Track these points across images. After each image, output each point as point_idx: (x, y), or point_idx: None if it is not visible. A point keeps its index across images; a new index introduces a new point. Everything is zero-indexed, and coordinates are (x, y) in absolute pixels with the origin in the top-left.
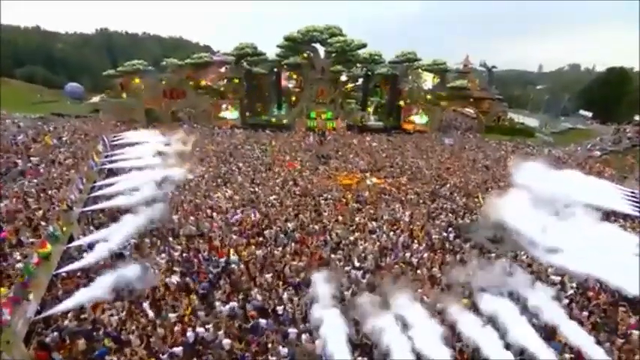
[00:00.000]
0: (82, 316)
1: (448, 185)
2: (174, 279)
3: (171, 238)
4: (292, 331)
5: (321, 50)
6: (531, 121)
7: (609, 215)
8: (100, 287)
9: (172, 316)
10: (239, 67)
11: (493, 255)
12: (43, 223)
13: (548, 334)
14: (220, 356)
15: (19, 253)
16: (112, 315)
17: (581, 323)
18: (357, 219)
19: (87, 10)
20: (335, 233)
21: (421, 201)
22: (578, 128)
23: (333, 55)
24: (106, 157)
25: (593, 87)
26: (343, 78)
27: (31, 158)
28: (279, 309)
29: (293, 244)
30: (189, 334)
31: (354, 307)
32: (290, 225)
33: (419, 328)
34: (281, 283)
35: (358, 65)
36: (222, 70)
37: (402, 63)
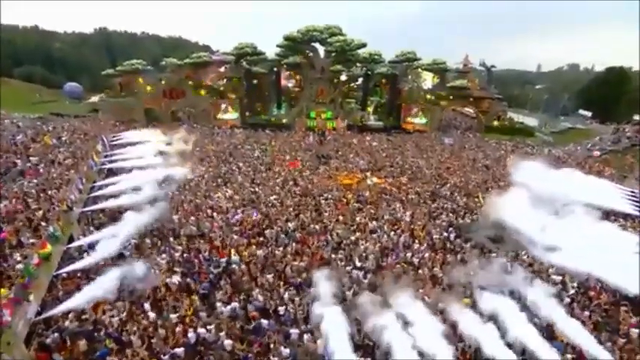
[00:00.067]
0: (83, 317)
1: (448, 185)
2: (176, 279)
3: (171, 239)
4: (294, 331)
5: (321, 50)
6: (531, 121)
7: (609, 215)
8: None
9: (173, 316)
10: (239, 66)
11: (494, 255)
12: (43, 224)
13: (550, 333)
14: (222, 357)
15: (20, 254)
16: (112, 316)
17: (582, 323)
18: (357, 219)
19: (85, 9)
20: (336, 233)
21: (422, 201)
22: (578, 128)
23: (333, 54)
24: (106, 156)
25: (592, 86)
26: (343, 77)
27: (31, 158)
28: (281, 309)
29: (294, 244)
30: (191, 334)
31: (355, 307)
32: (291, 225)
33: (420, 327)
34: (282, 283)
35: (358, 65)
36: (222, 69)
37: (401, 63)
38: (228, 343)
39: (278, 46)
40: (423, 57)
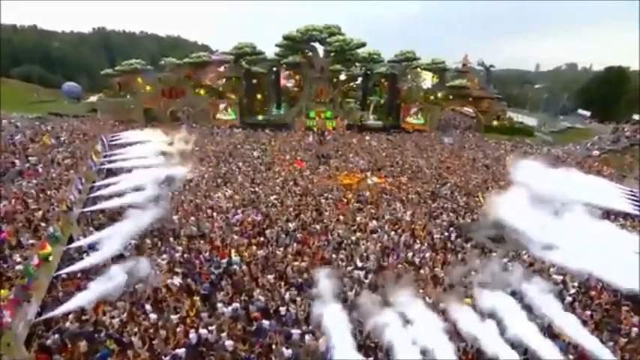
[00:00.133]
0: (84, 318)
1: (448, 184)
2: (177, 280)
3: (172, 239)
4: (295, 331)
5: (320, 49)
6: (530, 121)
7: (609, 214)
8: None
9: (174, 317)
10: (238, 66)
11: (495, 254)
12: (42, 224)
13: (552, 333)
14: (223, 358)
15: (19, 254)
16: (113, 317)
17: (584, 322)
18: (358, 219)
19: (84, 9)
20: (337, 233)
21: (422, 200)
22: (577, 127)
23: (332, 54)
24: (105, 157)
25: (591, 86)
26: (342, 77)
27: (29, 158)
28: (282, 310)
29: (295, 245)
30: (192, 335)
31: (356, 307)
32: (291, 225)
33: (422, 325)
34: (283, 283)
35: (357, 64)
36: (221, 69)
37: (401, 62)
38: (229, 343)
39: (277, 45)
40: (422, 57)
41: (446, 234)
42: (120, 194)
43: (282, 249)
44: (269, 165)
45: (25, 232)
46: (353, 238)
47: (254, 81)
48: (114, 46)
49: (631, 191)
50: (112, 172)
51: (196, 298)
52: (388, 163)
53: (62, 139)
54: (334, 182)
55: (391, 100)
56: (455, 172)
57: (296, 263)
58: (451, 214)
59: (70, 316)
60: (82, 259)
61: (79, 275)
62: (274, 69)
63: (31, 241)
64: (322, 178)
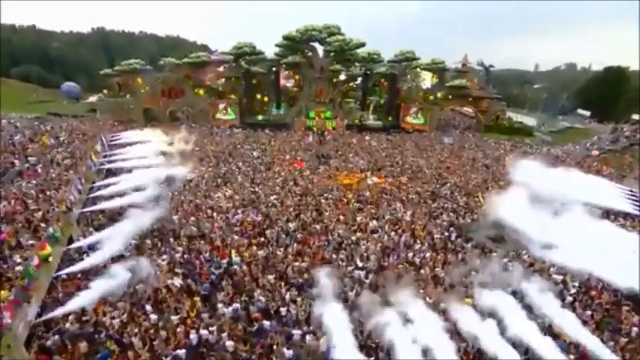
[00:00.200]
0: (84, 319)
1: (448, 184)
2: (177, 281)
3: (172, 239)
4: (296, 332)
5: (320, 49)
6: (529, 120)
7: (609, 214)
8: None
9: (175, 318)
10: (237, 66)
11: (495, 254)
12: (42, 225)
13: (553, 333)
14: (224, 358)
15: (19, 255)
16: (113, 317)
17: (584, 322)
18: (358, 219)
19: (83, 9)
20: (337, 233)
21: (422, 200)
22: (576, 127)
23: (332, 54)
24: (105, 157)
25: (590, 86)
26: (342, 77)
27: (29, 158)
28: (283, 310)
29: (295, 245)
30: (193, 336)
31: (357, 307)
32: (291, 225)
33: (422, 324)
34: (283, 283)
35: (357, 64)
36: (221, 69)
37: (400, 62)
38: (230, 344)
39: (277, 45)
40: (422, 57)
41: (446, 234)
42: (120, 194)
43: (282, 249)
44: (269, 165)
45: (25, 233)
46: (353, 238)
47: (253, 81)
48: (113, 46)
49: (631, 191)
50: (111, 173)
51: (197, 298)
52: (388, 163)
53: (61, 139)
54: (334, 182)
55: (391, 100)
56: (455, 172)
57: (296, 263)
58: (451, 214)
59: (70, 317)
60: (82, 259)
61: (79, 276)
62: (274, 69)
63: (30, 242)
64: (322, 178)
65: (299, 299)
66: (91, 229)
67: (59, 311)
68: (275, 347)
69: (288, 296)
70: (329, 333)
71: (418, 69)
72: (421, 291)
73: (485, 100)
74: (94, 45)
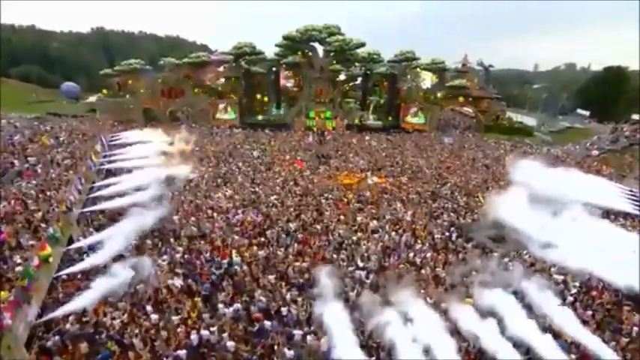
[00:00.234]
0: (84, 319)
1: (449, 184)
2: (178, 283)
3: (172, 240)
4: (297, 332)
5: (320, 49)
6: (529, 120)
7: (609, 214)
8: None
9: (175, 318)
10: (237, 66)
11: (496, 254)
12: (42, 225)
13: (554, 332)
14: (225, 359)
15: (20, 256)
16: (114, 318)
17: (585, 322)
18: (359, 219)
19: (82, 9)
20: (338, 233)
21: (422, 200)
22: (576, 127)
23: (332, 54)
24: (105, 157)
25: (590, 86)
26: (342, 77)
27: (28, 159)
28: (283, 310)
29: (295, 245)
30: (193, 336)
31: (358, 307)
32: (292, 225)
33: (423, 323)
34: (284, 284)
35: (357, 64)
36: (221, 69)
37: (400, 62)
38: (231, 344)
39: (277, 45)
40: (422, 57)
41: (447, 234)
42: (120, 194)
43: (283, 249)
44: (269, 165)
45: (25, 233)
46: (354, 238)
47: (253, 81)
48: (113, 46)
49: (631, 191)
50: (111, 173)
51: (197, 299)
52: (388, 163)
53: (61, 139)
54: (334, 182)
55: (391, 100)
56: (455, 172)
57: (297, 264)
58: (452, 214)
59: (71, 318)
60: (82, 260)
61: (79, 276)
62: (274, 69)
63: (31, 242)
64: (322, 178)
65: (300, 299)
66: (91, 229)
67: (59, 312)
68: (276, 347)
69: (288, 296)
70: (330, 332)
71: (418, 69)
72: (422, 291)
73: (485, 100)
74: (94, 45)
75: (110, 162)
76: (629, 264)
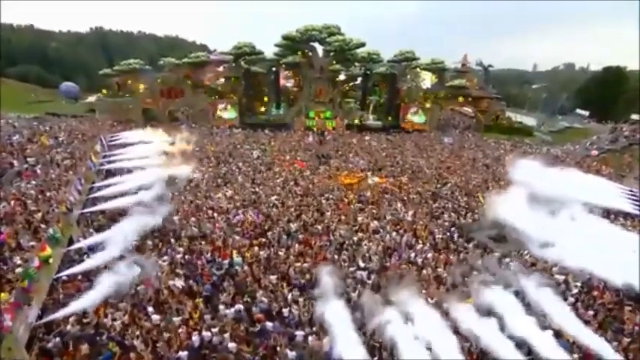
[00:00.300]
0: (85, 321)
1: (449, 184)
2: (179, 283)
3: (172, 240)
4: (299, 333)
5: (320, 49)
6: (529, 120)
7: (609, 213)
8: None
9: (176, 319)
10: (237, 66)
11: (496, 254)
12: (42, 226)
13: (556, 332)
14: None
15: (20, 257)
16: (114, 319)
17: (587, 322)
18: (360, 219)
19: (81, 8)
20: (339, 233)
21: (423, 200)
22: (576, 127)
23: (332, 54)
24: (104, 157)
25: (589, 86)
26: (342, 77)
27: (28, 159)
28: (285, 311)
29: (297, 245)
30: (195, 338)
31: (360, 308)
32: (293, 226)
33: (425, 324)
34: (285, 284)
35: (357, 64)
36: (220, 69)
37: (400, 62)
38: (232, 345)
39: (276, 45)
40: (422, 57)
41: (448, 234)
42: (120, 195)
43: (284, 250)
44: (269, 165)
45: (25, 234)
46: (355, 238)
47: (253, 81)
48: (112, 45)
49: (631, 191)
50: (111, 173)
51: (199, 299)
52: (388, 163)
53: (61, 139)
54: (335, 182)
55: (391, 100)
56: (455, 172)
57: (298, 264)
58: (452, 214)
59: (71, 319)
60: (82, 260)
61: (79, 277)
62: (274, 69)
63: (31, 243)
64: (323, 178)
65: (301, 300)
66: (91, 229)
67: (60, 313)
68: (278, 348)
69: (290, 297)
70: (331, 331)
71: (418, 69)
72: (423, 291)
73: (485, 99)
74: (93, 45)
75: (110, 162)
76: (628, 263)
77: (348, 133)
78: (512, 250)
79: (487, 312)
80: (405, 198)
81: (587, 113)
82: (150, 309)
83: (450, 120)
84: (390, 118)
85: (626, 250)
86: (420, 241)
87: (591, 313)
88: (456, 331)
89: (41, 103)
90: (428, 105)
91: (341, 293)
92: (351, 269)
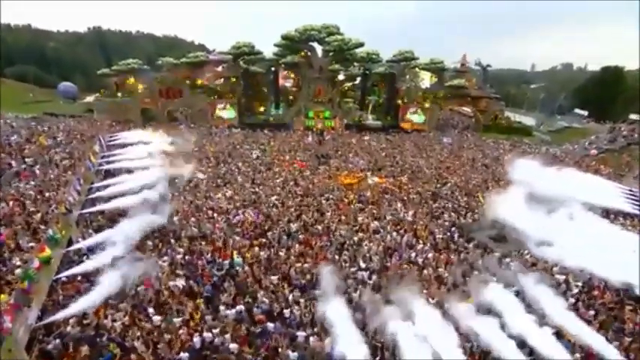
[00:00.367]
0: (85, 322)
1: (449, 184)
2: (180, 283)
3: (173, 241)
4: (300, 334)
5: (319, 49)
6: (528, 120)
7: (609, 213)
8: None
9: (177, 320)
10: (236, 66)
11: (497, 254)
12: (42, 227)
13: (557, 332)
14: None
15: (19, 258)
16: (115, 320)
17: (588, 322)
18: (360, 219)
19: (79, 8)
20: (339, 234)
21: (423, 200)
22: (574, 127)
23: (331, 54)
24: (103, 157)
25: (588, 86)
26: (341, 77)
27: (26, 159)
28: (286, 312)
29: (297, 246)
30: (196, 339)
31: (361, 308)
32: (293, 226)
33: (427, 324)
34: (286, 285)
35: (356, 64)
36: (219, 69)
37: (399, 62)
38: (234, 346)
39: (276, 45)
40: (422, 57)
41: (448, 234)
42: (120, 195)
43: (284, 250)
44: (269, 165)
45: (24, 235)
46: (355, 238)
47: (252, 81)
48: (110, 45)
49: (630, 190)
50: (110, 173)
51: (199, 300)
52: (388, 163)
53: (59, 139)
54: (335, 182)
55: (390, 100)
56: (455, 172)
57: (299, 265)
58: (452, 214)
59: (71, 320)
60: (81, 261)
61: (79, 278)
62: (273, 69)
63: (30, 244)
64: (323, 178)
65: (302, 300)
66: (90, 230)
67: (60, 314)
68: (279, 349)
69: (291, 297)
70: (333, 331)
71: (417, 69)
72: (424, 291)
73: (484, 99)
74: (91, 44)
75: (109, 162)
76: (627, 263)
77: (347, 133)
78: (512, 250)
79: (488, 311)
80: (405, 198)
81: (585, 113)
82: (150, 310)
83: (449, 120)
84: (389, 118)
85: (626, 250)
86: (421, 241)
87: (592, 312)
88: (458, 330)
89: (39, 103)
90: (427, 105)
91: (342, 293)
92: (352, 269)
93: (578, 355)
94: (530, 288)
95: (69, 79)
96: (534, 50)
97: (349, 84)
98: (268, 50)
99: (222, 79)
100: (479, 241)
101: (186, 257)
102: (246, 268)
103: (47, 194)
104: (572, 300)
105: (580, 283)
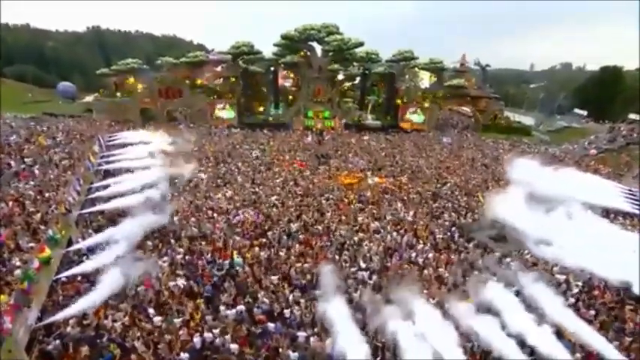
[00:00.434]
0: (85, 322)
1: (449, 184)
2: (180, 283)
3: (172, 241)
4: (301, 334)
5: (318, 49)
6: (527, 120)
7: (609, 213)
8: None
9: (177, 320)
10: (235, 65)
11: (497, 254)
12: (41, 227)
13: (558, 332)
14: None
15: (19, 258)
16: (115, 320)
17: (588, 322)
18: (360, 219)
19: (78, 8)
20: (339, 234)
21: (423, 200)
22: (574, 127)
23: (331, 53)
24: (102, 157)
25: (587, 85)
26: (340, 77)
27: (25, 159)
28: (287, 312)
29: (297, 246)
30: (197, 339)
31: (361, 308)
32: (293, 226)
33: (427, 324)
34: (287, 285)
35: (355, 64)
36: (219, 68)
37: (398, 62)
38: (234, 347)
39: (275, 45)
40: (421, 57)
41: (448, 234)
42: (120, 195)
43: (284, 250)
44: (269, 165)
45: (24, 235)
46: (355, 238)
47: (252, 81)
48: (109, 45)
49: (629, 190)
50: (109, 173)
51: (200, 300)
52: (388, 163)
53: (58, 139)
54: (335, 182)
55: (389, 100)
56: (454, 172)
57: (299, 265)
58: (453, 213)
59: (71, 321)
60: (81, 262)
61: (79, 278)
62: (272, 68)
63: (30, 245)
64: (323, 178)
65: (303, 301)
66: (90, 230)
67: (60, 315)
68: (280, 350)
69: (291, 298)
70: (333, 331)
71: (416, 68)
72: (425, 291)
73: (484, 99)
74: (90, 44)
75: (108, 162)
76: (627, 263)
77: (347, 133)
78: (512, 250)
79: (488, 311)
80: (405, 198)
81: (585, 113)
82: (150, 310)
83: (448, 120)
84: (388, 118)
85: (626, 250)
86: (421, 241)
87: (592, 312)
88: (458, 330)
89: (38, 103)
90: (426, 105)
91: (342, 293)
92: (352, 269)
93: (578, 355)
94: (531, 288)
95: (68, 79)
96: (534, 50)
97: (349, 84)
98: (268, 50)
99: (221, 79)
100: (479, 241)
101: (187, 257)
102: (247, 268)
103: (47, 194)
104: (573, 300)
105: (580, 283)
